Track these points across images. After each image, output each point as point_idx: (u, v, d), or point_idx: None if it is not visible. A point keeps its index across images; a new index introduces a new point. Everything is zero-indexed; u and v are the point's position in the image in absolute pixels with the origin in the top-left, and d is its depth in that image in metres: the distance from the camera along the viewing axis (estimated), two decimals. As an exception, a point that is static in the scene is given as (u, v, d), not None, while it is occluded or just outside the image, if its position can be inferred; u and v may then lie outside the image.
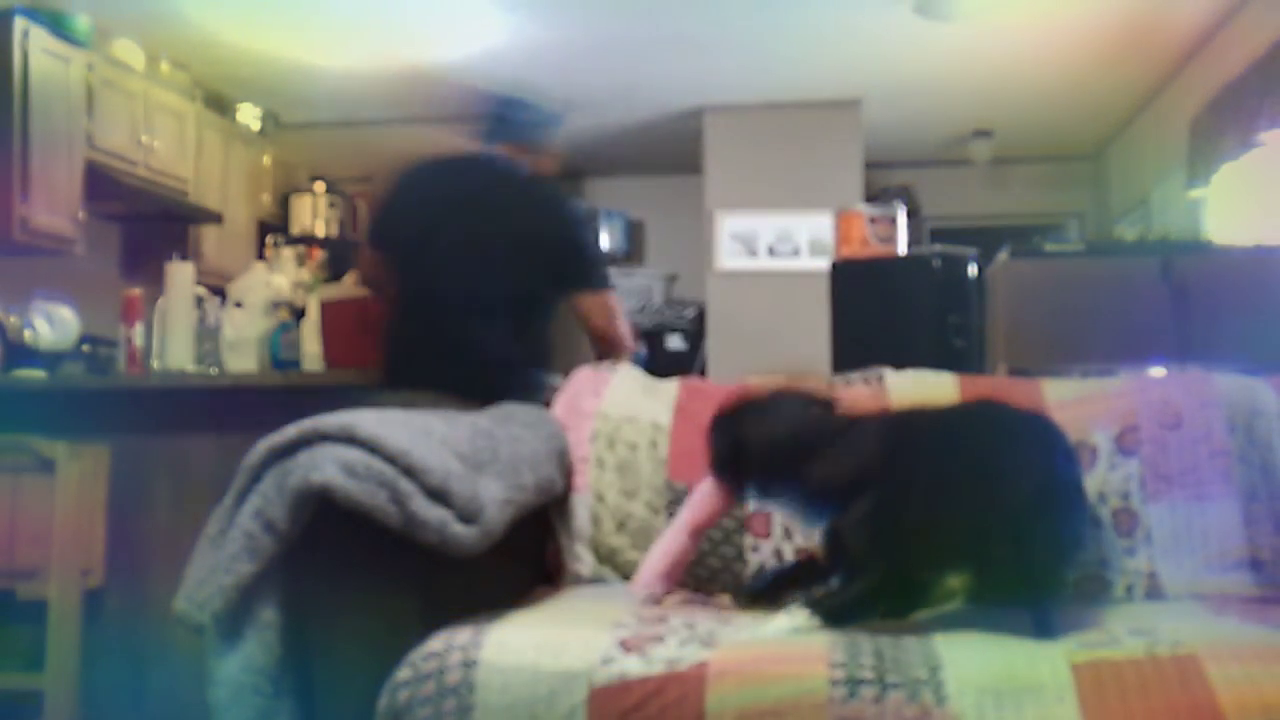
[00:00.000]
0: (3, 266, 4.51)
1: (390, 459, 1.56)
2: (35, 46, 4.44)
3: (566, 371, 2.34)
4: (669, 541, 1.86)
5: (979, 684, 1.37)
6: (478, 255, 2.67)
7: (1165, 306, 3.31)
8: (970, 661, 1.42)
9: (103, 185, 4.81)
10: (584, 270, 2.76)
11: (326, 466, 1.53)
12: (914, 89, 6.48)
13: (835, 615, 1.60)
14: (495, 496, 1.68)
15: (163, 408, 2.91)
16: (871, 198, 6.80)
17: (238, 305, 3.20)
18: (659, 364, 4.42)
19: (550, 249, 2.71)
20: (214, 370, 3.13)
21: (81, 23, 4.76)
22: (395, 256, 2.79)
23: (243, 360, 3.12)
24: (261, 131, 6.43)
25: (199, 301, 3.21)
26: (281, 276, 3.32)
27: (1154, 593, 1.90)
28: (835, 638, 1.52)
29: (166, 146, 5.33)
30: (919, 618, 1.74)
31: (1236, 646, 1.42)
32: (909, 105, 6.81)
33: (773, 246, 6.80)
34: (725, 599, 1.91)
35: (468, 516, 1.60)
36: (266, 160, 6.35)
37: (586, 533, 2.06)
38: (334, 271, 4.64)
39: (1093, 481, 1.97)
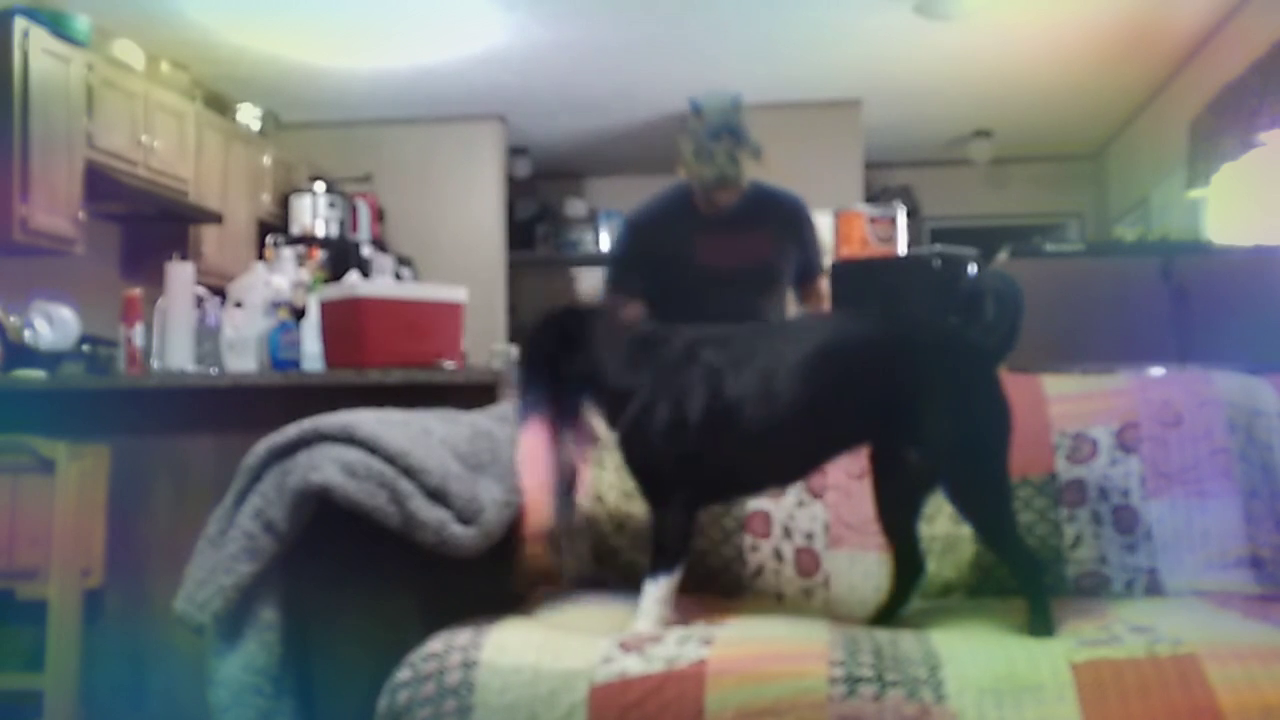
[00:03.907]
0: (3, 266, 4.51)
1: (390, 459, 1.56)
2: (35, 46, 4.44)
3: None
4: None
5: (979, 684, 1.37)
6: None
7: (1165, 306, 3.30)
8: (970, 661, 1.42)
9: (103, 185, 4.80)
10: None
11: (326, 467, 1.53)
12: (914, 89, 6.48)
13: (667, 558, 1.67)
14: (495, 498, 1.68)
15: (163, 408, 2.90)
16: (871, 198, 6.81)
17: (238, 305, 3.20)
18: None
19: None
20: (214, 370, 3.13)
21: (81, 23, 4.76)
22: None
23: (243, 360, 3.12)
24: (261, 131, 6.43)
25: (199, 301, 3.21)
26: (281, 276, 3.31)
27: (1154, 590, 1.90)
28: (834, 635, 1.52)
29: (166, 146, 5.33)
30: (917, 617, 1.74)
31: (1236, 646, 1.42)
32: (909, 105, 6.80)
33: (773, 246, 6.79)
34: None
35: (467, 518, 1.59)
36: (266, 160, 6.35)
37: (586, 534, 2.06)
38: (334, 271, 4.64)
39: (1093, 476, 1.97)
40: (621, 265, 2.97)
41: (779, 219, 2.92)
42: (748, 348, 1.73)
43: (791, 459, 1.75)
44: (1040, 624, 1.57)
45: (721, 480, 1.75)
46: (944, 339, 1.74)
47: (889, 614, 1.78)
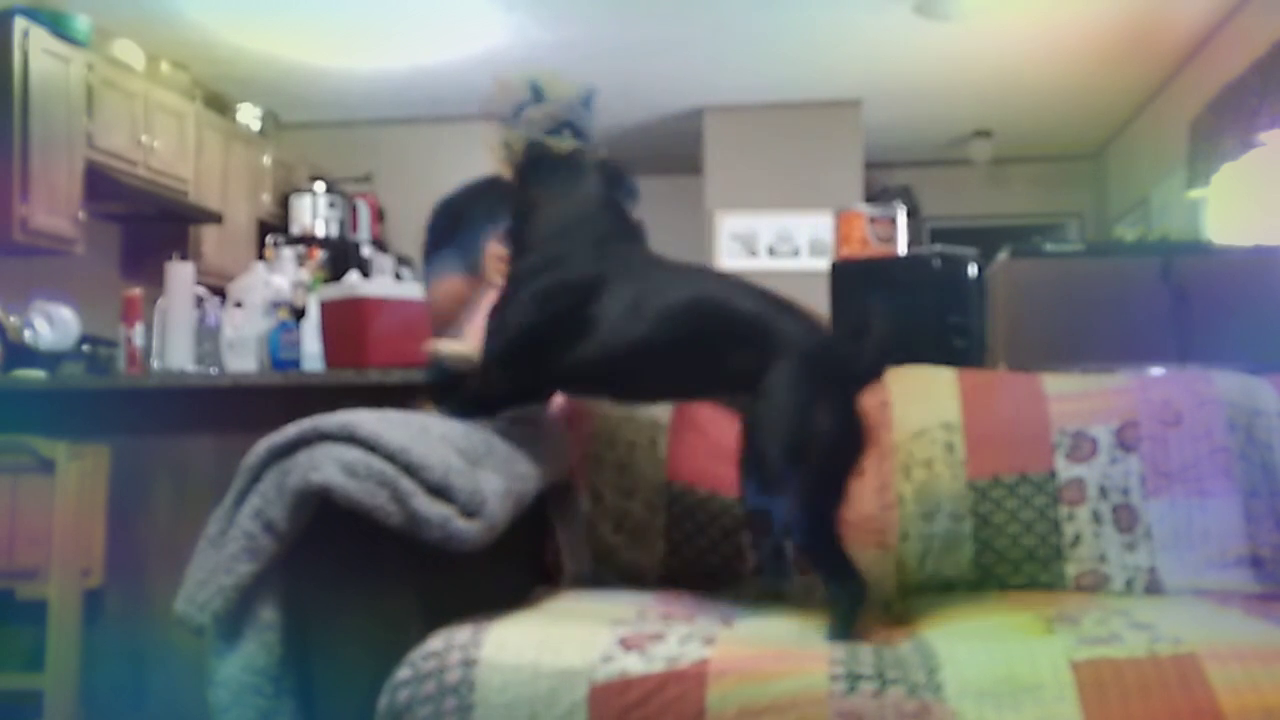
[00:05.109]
0: (3, 266, 4.51)
1: (390, 457, 1.56)
2: (35, 46, 4.44)
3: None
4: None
5: (978, 684, 1.37)
6: None
7: (1165, 306, 3.31)
8: (969, 661, 1.42)
9: (103, 185, 4.81)
10: None
11: (326, 466, 1.53)
12: (914, 89, 6.48)
13: (462, 408, 1.81)
14: (496, 489, 1.68)
15: (163, 408, 2.90)
16: (871, 198, 6.81)
17: (238, 305, 3.20)
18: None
19: None
20: (214, 370, 3.13)
21: (81, 23, 4.77)
22: None
23: (243, 360, 3.12)
24: (261, 131, 6.43)
25: (199, 301, 3.21)
26: (281, 276, 3.32)
27: (1154, 589, 1.90)
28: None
29: (166, 146, 5.34)
30: (916, 620, 1.74)
31: (1237, 645, 1.42)
32: (909, 105, 6.81)
33: (773, 247, 6.80)
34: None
35: (470, 511, 1.59)
36: (266, 160, 6.35)
37: (584, 532, 2.06)
38: (334, 271, 4.64)
39: (1092, 475, 1.98)
40: (434, 248, 2.45)
41: None
42: (643, 275, 1.82)
43: (635, 386, 1.84)
44: (841, 629, 1.55)
45: (560, 371, 1.83)
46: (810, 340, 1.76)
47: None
